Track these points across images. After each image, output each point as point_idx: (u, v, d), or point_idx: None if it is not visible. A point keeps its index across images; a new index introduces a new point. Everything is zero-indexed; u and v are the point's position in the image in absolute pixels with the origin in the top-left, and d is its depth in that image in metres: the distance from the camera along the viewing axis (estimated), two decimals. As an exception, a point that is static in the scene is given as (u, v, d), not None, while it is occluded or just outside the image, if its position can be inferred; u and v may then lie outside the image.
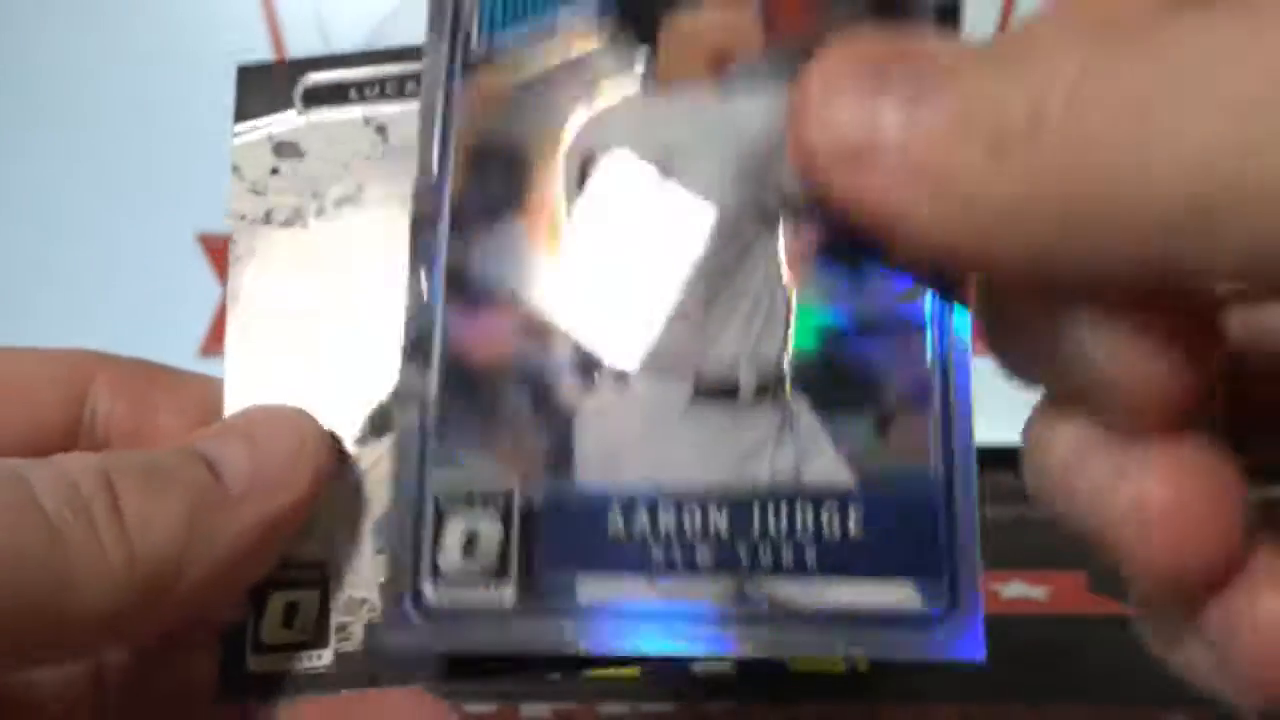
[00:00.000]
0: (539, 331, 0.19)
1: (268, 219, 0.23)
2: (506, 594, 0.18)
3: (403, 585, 0.18)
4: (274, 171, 0.23)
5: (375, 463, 0.21)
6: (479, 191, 0.20)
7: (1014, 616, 0.43)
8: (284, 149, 0.23)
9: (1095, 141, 0.13)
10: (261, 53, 0.69)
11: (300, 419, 0.21)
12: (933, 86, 0.15)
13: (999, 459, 0.79)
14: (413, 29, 0.81)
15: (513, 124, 0.20)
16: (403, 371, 0.19)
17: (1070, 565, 0.48)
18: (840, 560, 0.17)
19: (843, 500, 0.18)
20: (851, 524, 0.18)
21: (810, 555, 0.18)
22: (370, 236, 0.22)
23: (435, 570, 0.18)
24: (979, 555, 0.17)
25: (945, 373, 0.18)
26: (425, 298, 0.19)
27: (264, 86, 0.23)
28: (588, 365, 0.19)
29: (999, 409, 0.80)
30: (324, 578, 0.21)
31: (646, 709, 0.35)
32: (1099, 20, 0.14)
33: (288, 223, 0.23)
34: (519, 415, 0.19)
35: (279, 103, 0.23)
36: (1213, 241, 0.13)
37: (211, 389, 0.23)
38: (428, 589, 0.18)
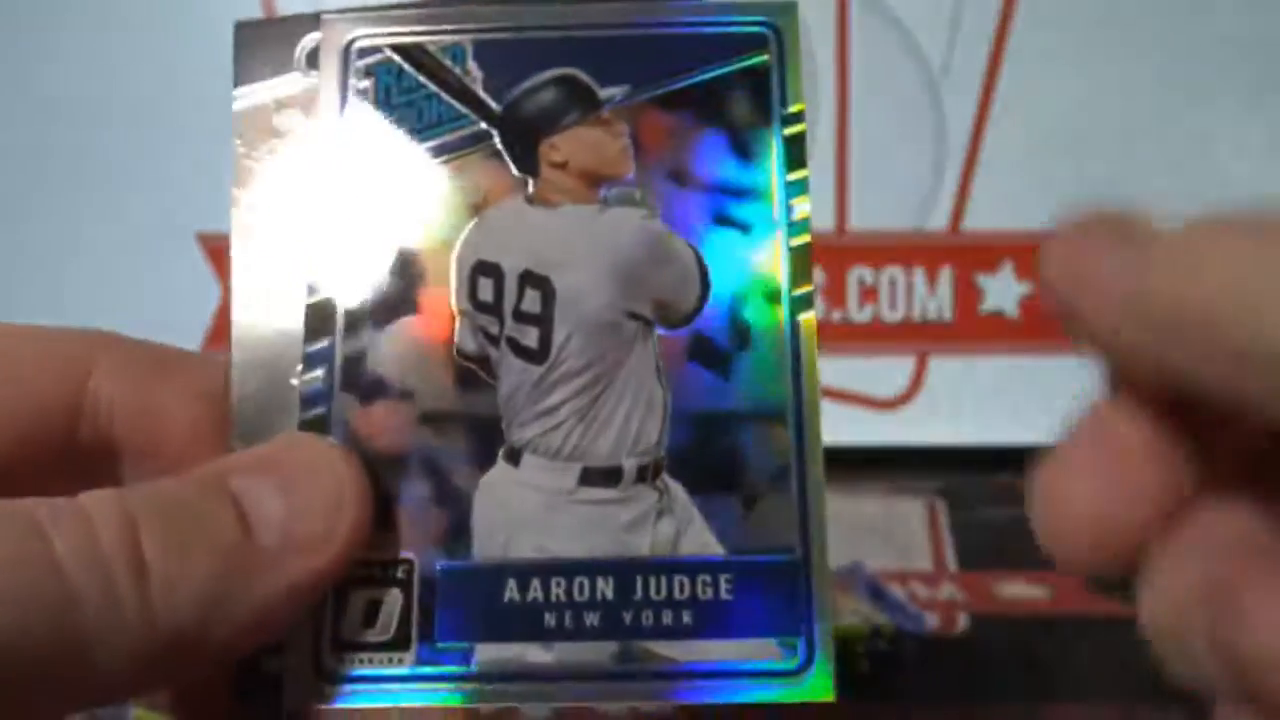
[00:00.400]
0: (435, 422, 0.21)
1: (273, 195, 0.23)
2: (406, 659, 0.20)
3: (305, 651, 0.20)
4: (277, 136, 0.23)
5: None
6: (372, 292, 0.22)
7: (1014, 616, 0.43)
8: (286, 112, 0.23)
9: None
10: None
11: (339, 463, 0.20)
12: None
13: (999, 459, 0.79)
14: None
15: (404, 230, 0.22)
16: None
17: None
18: (713, 622, 0.20)
19: (714, 570, 0.20)
20: (723, 590, 0.20)
21: (686, 618, 0.20)
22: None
23: (337, 637, 0.20)
24: (830, 618, 0.20)
25: (802, 458, 0.21)
26: (321, 387, 0.21)
27: (266, 46, 0.23)
28: (483, 452, 0.21)
29: (999, 411, 0.79)
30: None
31: (645, 709, 0.35)
32: None
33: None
34: (418, 496, 0.21)
35: (280, 65, 0.23)
36: None
37: (218, 370, 0.22)
38: (329, 657, 0.20)
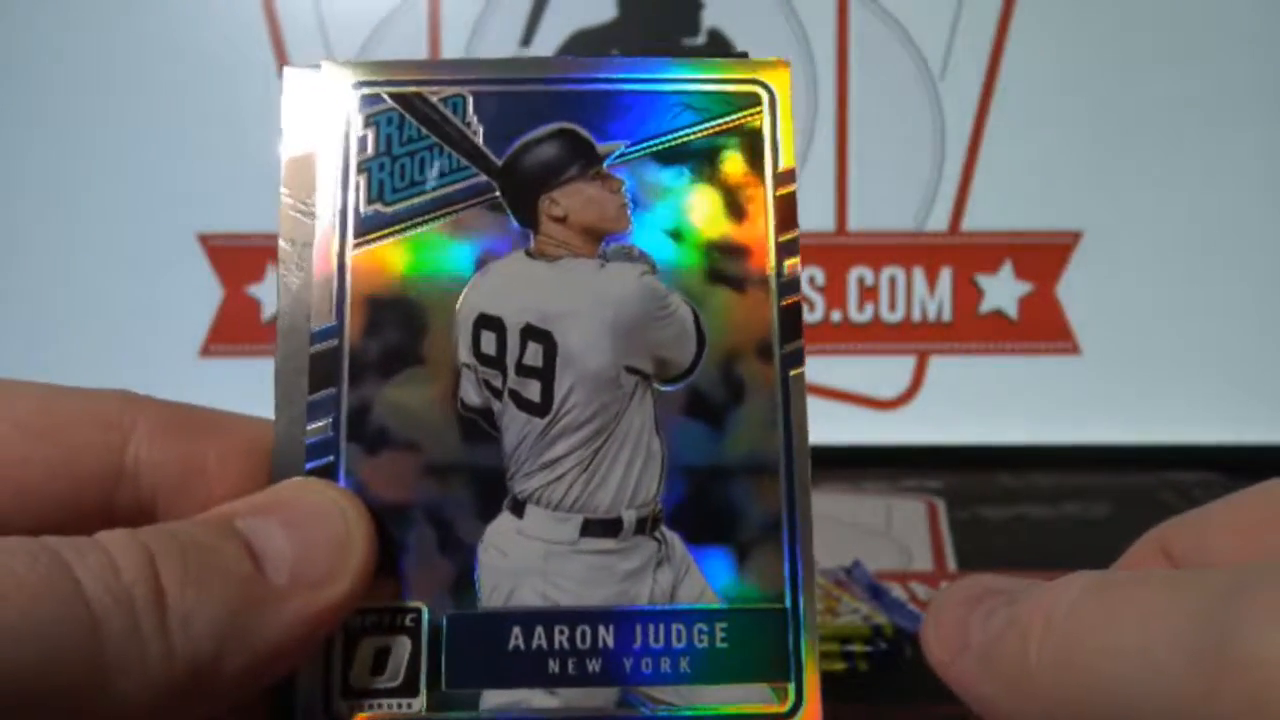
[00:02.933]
0: (439, 473, 0.22)
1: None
2: (416, 705, 0.21)
3: (316, 698, 0.21)
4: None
5: None
6: (377, 343, 0.22)
7: (1014, 616, 0.43)
8: None
9: (1065, 674, 0.18)
10: (262, 53, 0.69)
11: (343, 501, 0.20)
12: (1003, 606, 0.20)
13: (999, 459, 0.79)
14: (414, 29, 0.80)
15: (406, 282, 0.22)
16: None
17: (1070, 565, 0.48)
18: (708, 669, 0.21)
19: (710, 619, 0.21)
20: (718, 638, 0.21)
21: (684, 664, 0.21)
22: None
23: (347, 684, 0.21)
24: (818, 664, 0.21)
25: (792, 509, 0.22)
26: (328, 437, 0.22)
27: (310, 94, 0.23)
28: (487, 503, 0.22)
29: (999, 411, 0.80)
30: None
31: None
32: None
33: None
34: (424, 546, 0.21)
35: (329, 116, 0.23)
36: None
37: (257, 431, 0.22)
38: (339, 703, 0.21)
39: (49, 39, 0.70)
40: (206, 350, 0.69)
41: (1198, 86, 0.69)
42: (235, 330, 0.69)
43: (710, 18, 0.69)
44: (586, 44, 0.69)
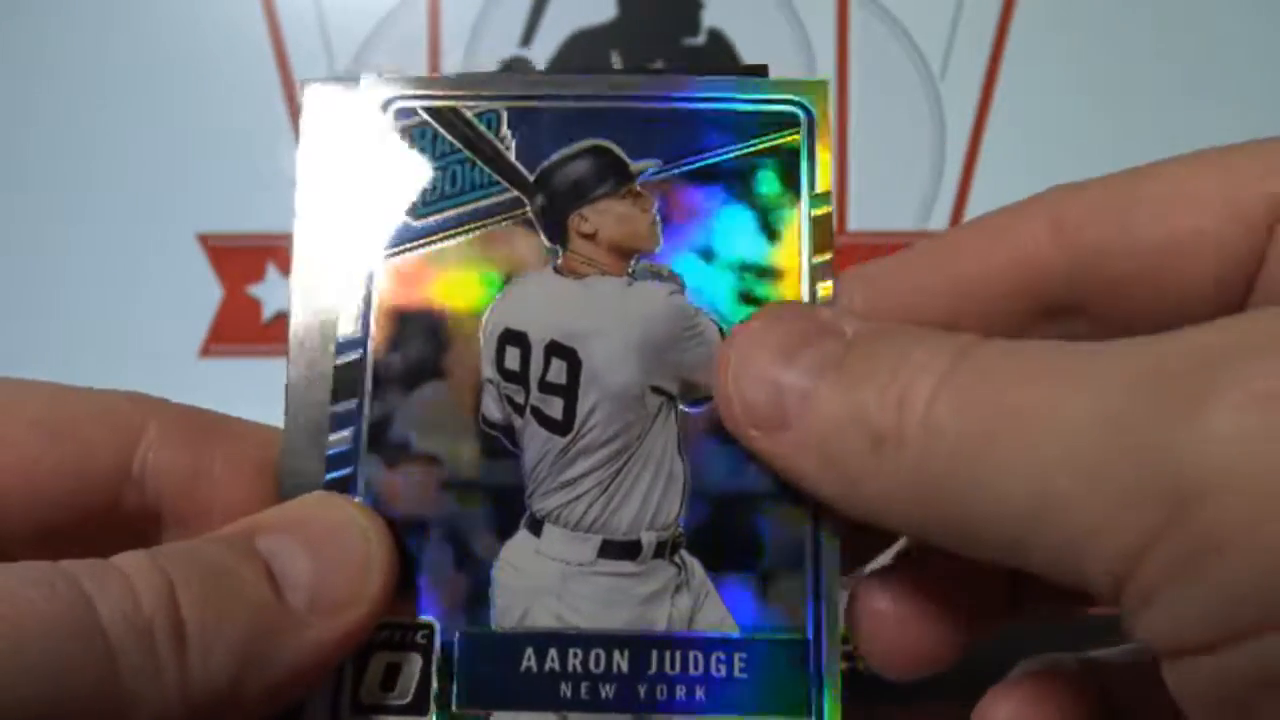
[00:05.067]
0: (458, 488, 0.21)
1: (333, 260, 0.23)
2: None
3: (324, 714, 0.20)
4: (341, 206, 0.23)
5: None
6: (400, 356, 0.22)
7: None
8: None
9: (942, 464, 0.17)
10: (262, 52, 0.69)
11: (367, 526, 0.20)
12: (833, 374, 0.18)
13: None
14: (415, 29, 0.80)
15: (433, 295, 0.22)
16: None
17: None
18: (725, 698, 0.21)
19: (729, 647, 0.21)
20: (736, 668, 0.21)
21: (700, 693, 0.21)
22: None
23: (356, 701, 0.20)
24: (839, 695, 0.21)
25: (817, 539, 0.21)
26: (348, 448, 0.21)
27: (329, 109, 0.23)
28: (505, 520, 0.21)
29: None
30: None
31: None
32: (962, 340, 0.17)
33: None
34: (440, 562, 0.21)
35: (346, 128, 0.23)
36: (1022, 558, 0.16)
37: (266, 437, 0.22)
38: (348, 719, 0.20)
39: (48, 39, 0.70)
40: (206, 350, 0.68)
41: (1198, 87, 0.69)
42: (235, 330, 0.69)
43: (710, 18, 0.69)
44: (586, 44, 0.69)
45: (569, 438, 0.22)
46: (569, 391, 0.22)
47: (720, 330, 0.22)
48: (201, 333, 0.69)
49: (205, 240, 0.70)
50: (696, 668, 0.21)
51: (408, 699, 0.20)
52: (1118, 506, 0.15)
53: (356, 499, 0.21)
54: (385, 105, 0.23)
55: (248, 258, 0.69)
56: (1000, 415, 0.16)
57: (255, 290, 0.69)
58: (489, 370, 0.22)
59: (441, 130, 0.22)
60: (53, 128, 0.70)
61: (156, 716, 0.17)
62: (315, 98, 0.23)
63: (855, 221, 0.70)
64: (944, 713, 0.34)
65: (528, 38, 0.69)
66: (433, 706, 0.20)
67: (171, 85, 0.69)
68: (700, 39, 0.70)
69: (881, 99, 0.70)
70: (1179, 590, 0.15)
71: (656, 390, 0.22)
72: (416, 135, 0.22)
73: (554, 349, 0.22)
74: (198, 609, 0.17)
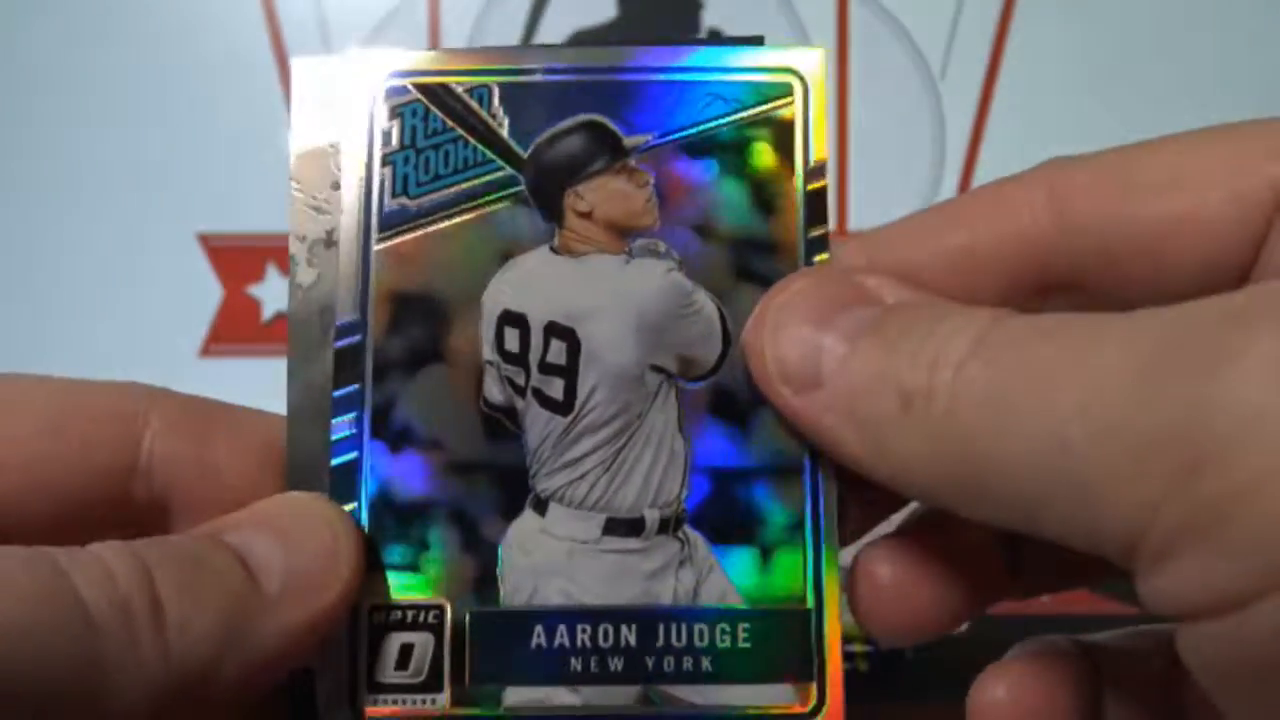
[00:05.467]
0: (463, 471, 0.22)
1: (329, 241, 0.22)
2: (439, 701, 0.21)
3: (340, 693, 0.21)
4: (335, 186, 0.22)
5: None
6: (400, 339, 0.22)
7: (1014, 616, 0.43)
8: None
9: (967, 421, 0.17)
10: (262, 52, 0.69)
11: (330, 513, 0.21)
12: (871, 334, 0.19)
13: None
14: (414, 29, 0.80)
15: (430, 277, 0.22)
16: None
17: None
18: (731, 668, 0.21)
19: (733, 619, 0.21)
20: (740, 638, 0.21)
21: (706, 664, 0.21)
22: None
23: (371, 679, 0.21)
24: (840, 663, 0.21)
25: (816, 511, 0.21)
26: (351, 432, 0.22)
27: (320, 85, 0.23)
28: (509, 501, 0.22)
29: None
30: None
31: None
32: (997, 311, 0.17)
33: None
34: (448, 543, 0.21)
35: (338, 105, 0.23)
36: (1037, 520, 0.17)
37: (271, 426, 0.22)
38: (363, 698, 0.21)
39: (48, 39, 0.70)
40: (206, 350, 0.69)
41: (1198, 87, 0.69)
42: (235, 330, 0.69)
43: (710, 18, 0.69)
44: (586, 44, 0.69)
45: (570, 418, 0.22)
46: (569, 372, 0.22)
47: (719, 307, 0.22)
48: (201, 333, 0.69)
49: (205, 240, 0.70)
50: (702, 639, 0.21)
51: (421, 677, 0.21)
52: (1137, 456, 0.15)
53: (322, 495, 0.21)
54: (375, 81, 0.22)
55: (248, 258, 0.69)
56: (1026, 372, 0.16)
57: (255, 290, 0.69)
58: (489, 352, 0.22)
59: (433, 108, 0.22)
60: (53, 128, 0.70)
61: (139, 690, 0.17)
62: (304, 73, 0.22)
63: (855, 221, 0.70)
64: (944, 713, 0.34)
65: (528, 38, 0.69)
66: (446, 684, 0.21)
67: (171, 85, 0.69)
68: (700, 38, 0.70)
69: (881, 99, 0.70)
70: (1197, 545, 0.15)
71: (656, 369, 0.22)
72: (408, 113, 0.22)
73: (553, 330, 0.22)
74: (175, 589, 0.18)
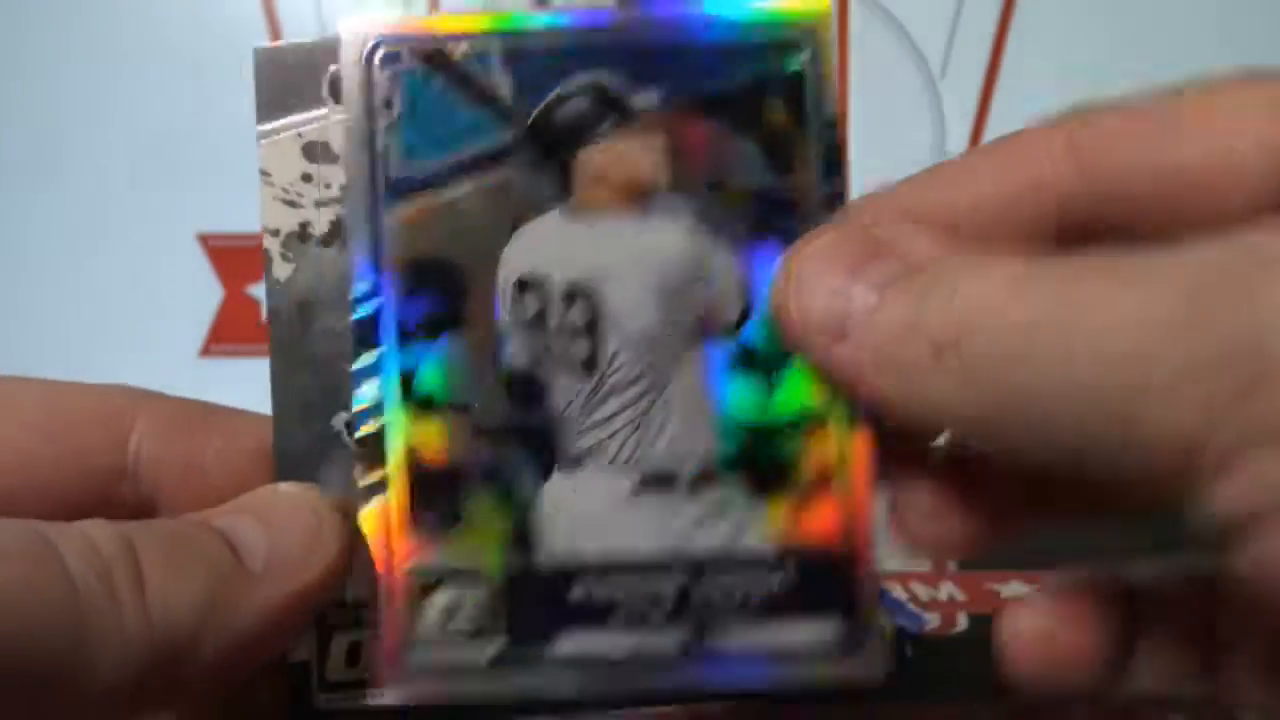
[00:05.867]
0: (490, 435, 0.22)
1: (303, 235, 0.22)
2: (489, 651, 0.21)
3: (382, 658, 0.21)
4: (306, 178, 0.22)
5: None
6: (417, 306, 0.22)
7: (1014, 616, 0.43)
8: (315, 150, 0.22)
9: (1005, 359, 0.17)
10: (261, 53, 0.69)
11: (314, 499, 0.21)
12: (899, 284, 0.19)
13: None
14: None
15: (444, 244, 0.22)
16: (356, 469, 0.22)
17: (1070, 565, 0.47)
18: (770, 613, 0.21)
19: (769, 566, 0.22)
20: (777, 584, 0.22)
21: (745, 609, 0.21)
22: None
23: (418, 639, 0.21)
24: (878, 606, 0.22)
25: (845, 459, 0.22)
26: (377, 400, 0.21)
27: (288, 76, 0.22)
28: (540, 462, 0.22)
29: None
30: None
31: (645, 711, 0.35)
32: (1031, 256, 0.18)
33: (326, 241, 0.22)
34: (483, 506, 0.21)
35: (306, 96, 0.22)
36: (1083, 456, 0.17)
37: (260, 427, 0.22)
38: (410, 655, 0.21)
39: (47, 39, 0.70)
40: (206, 350, 0.68)
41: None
42: (235, 330, 0.69)
43: (710, 18, 0.69)
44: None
45: (595, 379, 0.22)
46: (592, 334, 0.22)
47: (737, 263, 0.22)
48: (201, 333, 0.69)
49: (205, 240, 0.70)
50: (740, 587, 0.21)
51: (466, 633, 0.21)
52: (1192, 374, 0.15)
53: (307, 484, 0.21)
54: (372, 50, 0.22)
55: (248, 258, 0.69)
56: (1067, 302, 0.16)
57: (255, 290, 0.69)
58: (508, 317, 0.22)
59: (433, 73, 0.22)
60: (52, 127, 0.70)
61: (120, 660, 0.17)
62: (265, 60, 0.22)
63: (855, 221, 0.70)
64: (944, 713, 0.34)
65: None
66: (491, 639, 0.21)
67: (171, 85, 0.69)
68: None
69: (881, 99, 0.70)
70: (1265, 450, 0.15)
71: (678, 327, 0.22)
72: (407, 80, 0.22)
73: (573, 293, 0.22)
74: (158, 562, 0.18)
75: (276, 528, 0.20)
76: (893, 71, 0.70)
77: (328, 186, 0.22)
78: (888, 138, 0.70)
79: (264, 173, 0.22)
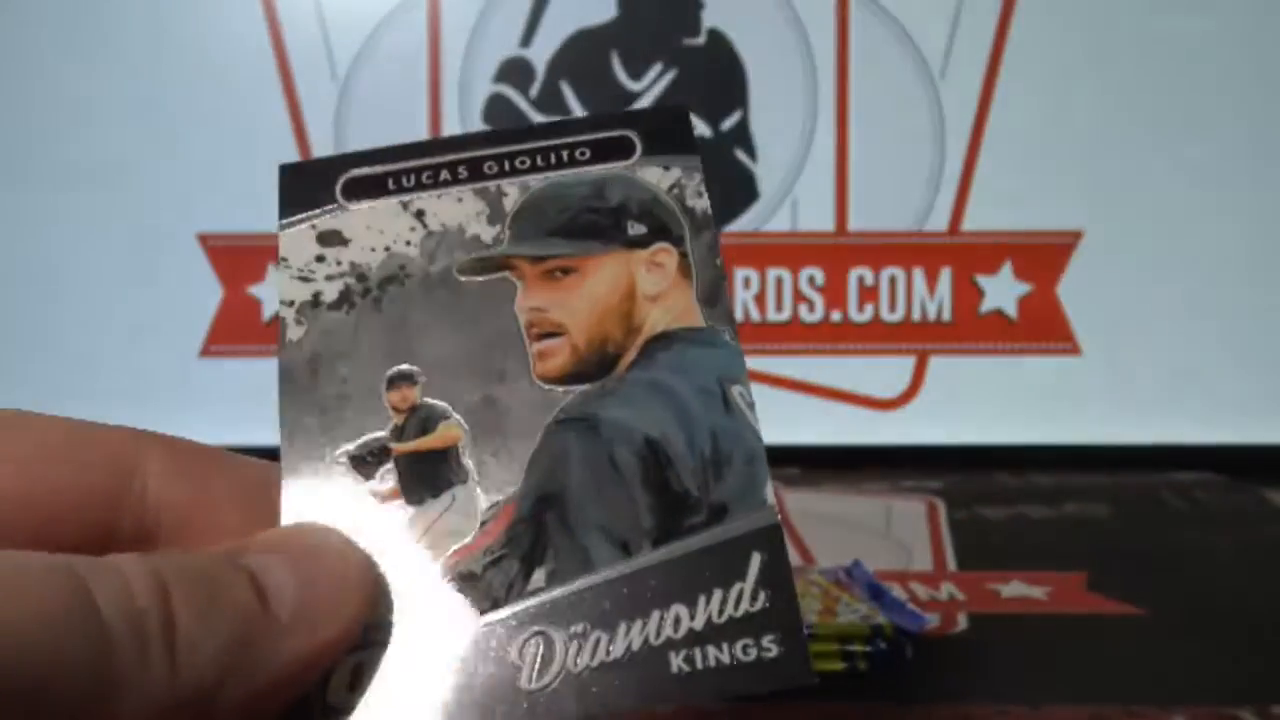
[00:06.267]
0: None
1: (315, 303, 0.24)
2: None
3: None
4: (319, 259, 0.24)
5: (434, 521, 0.22)
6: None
7: (1014, 616, 0.43)
8: (328, 237, 0.25)
9: None
10: (262, 52, 0.69)
11: (345, 546, 0.21)
12: None
13: (999, 459, 0.78)
14: (414, 29, 0.80)
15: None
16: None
17: (1070, 565, 0.48)
18: None
19: None
20: None
21: None
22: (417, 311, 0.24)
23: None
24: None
25: None
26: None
27: (306, 183, 0.25)
28: None
29: (999, 411, 0.80)
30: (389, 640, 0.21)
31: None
32: None
33: (336, 305, 0.24)
34: None
35: (321, 197, 0.25)
36: None
37: (266, 472, 0.23)
38: None
39: (47, 39, 0.70)
40: (206, 350, 0.68)
41: (1198, 85, 0.69)
42: (235, 330, 0.69)
43: (710, 18, 0.69)
44: (586, 44, 0.69)
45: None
46: None
47: None
48: (201, 333, 0.69)
49: (205, 240, 0.70)
50: None
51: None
52: None
53: (335, 528, 0.21)
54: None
55: (248, 258, 0.69)
56: None
57: (255, 290, 0.69)
58: None
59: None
60: (52, 128, 0.70)
61: (144, 707, 0.17)
62: (289, 175, 0.25)
63: (855, 221, 0.70)
64: (944, 713, 0.34)
65: (528, 38, 0.69)
66: None
67: (172, 85, 0.69)
68: (700, 39, 0.70)
69: (881, 99, 0.70)
70: None
71: None
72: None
73: None
74: (189, 607, 0.18)
75: (305, 574, 0.20)
76: (893, 71, 0.70)
77: (339, 263, 0.24)
78: (888, 138, 0.70)
79: (283, 258, 0.24)
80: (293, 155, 0.69)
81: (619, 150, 0.24)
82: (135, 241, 0.70)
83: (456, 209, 0.24)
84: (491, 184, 0.24)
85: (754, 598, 0.20)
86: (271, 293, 0.67)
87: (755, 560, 0.20)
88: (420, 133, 0.69)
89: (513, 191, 0.24)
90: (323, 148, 0.68)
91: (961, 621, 0.41)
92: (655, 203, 0.23)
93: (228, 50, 0.69)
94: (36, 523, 0.20)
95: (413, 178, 0.25)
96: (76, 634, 0.16)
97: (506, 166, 0.24)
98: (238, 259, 0.69)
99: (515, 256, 0.23)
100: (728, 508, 0.21)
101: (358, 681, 0.21)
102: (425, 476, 0.22)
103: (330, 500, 0.22)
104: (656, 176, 0.24)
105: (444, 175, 0.25)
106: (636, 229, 0.23)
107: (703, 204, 0.23)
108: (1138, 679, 0.36)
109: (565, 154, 0.24)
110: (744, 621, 0.20)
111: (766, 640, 0.20)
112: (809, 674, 0.20)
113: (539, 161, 0.24)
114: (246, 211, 0.68)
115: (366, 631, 0.21)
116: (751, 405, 0.22)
